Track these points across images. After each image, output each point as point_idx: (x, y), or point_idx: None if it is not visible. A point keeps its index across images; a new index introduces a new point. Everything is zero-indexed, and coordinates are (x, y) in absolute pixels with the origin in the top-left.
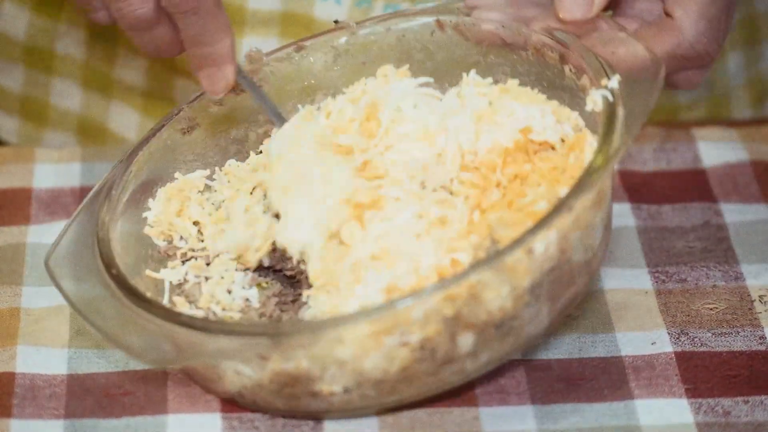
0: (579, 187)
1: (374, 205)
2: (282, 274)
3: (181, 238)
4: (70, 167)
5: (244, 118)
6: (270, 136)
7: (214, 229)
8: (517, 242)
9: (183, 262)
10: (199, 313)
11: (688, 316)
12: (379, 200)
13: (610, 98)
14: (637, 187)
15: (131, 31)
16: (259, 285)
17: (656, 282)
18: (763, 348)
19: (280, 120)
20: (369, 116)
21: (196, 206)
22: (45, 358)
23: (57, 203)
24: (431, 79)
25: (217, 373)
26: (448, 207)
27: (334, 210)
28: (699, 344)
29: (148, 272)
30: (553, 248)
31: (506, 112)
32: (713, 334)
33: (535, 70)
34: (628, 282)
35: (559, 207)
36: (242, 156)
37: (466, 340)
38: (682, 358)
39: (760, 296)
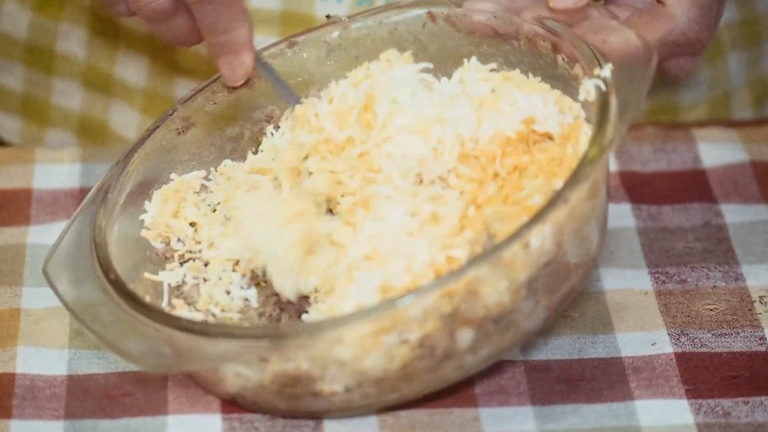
0: (574, 179)
1: (364, 204)
2: None
3: (179, 239)
4: (71, 168)
5: (239, 116)
6: (265, 133)
7: (212, 231)
8: (514, 237)
9: (181, 264)
10: (199, 316)
11: (688, 316)
12: (369, 199)
13: (603, 88)
14: (637, 188)
15: (150, 23)
16: (257, 284)
17: (656, 283)
18: (763, 349)
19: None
20: (366, 107)
21: (192, 207)
22: (45, 358)
23: (57, 204)
24: (431, 65)
25: (218, 375)
26: (441, 203)
27: (291, 241)
28: (699, 345)
29: (146, 275)
30: (550, 241)
31: (509, 100)
32: (713, 334)
33: (527, 59)
34: (628, 283)
35: (555, 200)
36: (238, 154)
37: (465, 336)
38: (682, 358)
39: (761, 297)
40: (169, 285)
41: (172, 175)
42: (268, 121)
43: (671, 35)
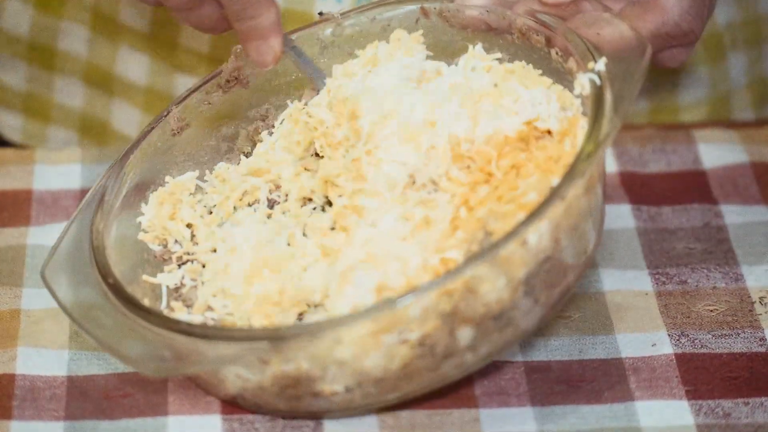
0: (570, 175)
1: (357, 210)
2: None
3: (176, 241)
4: (71, 169)
5: (234, 115)
6: (260, 132)
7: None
8: (512, 234)
9: (179, 266)
10: (197, 318)
11: (689, 317)
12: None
13: (598, 81)
14: (637, 189)
15: (177, 13)
16: None
17: (656, 283)
18: (763, 350)
19: None
20: (350, 117)
21: (188, 209)
22: (45, 359)
23: (57, 205)
24: (431, 54)
25: (218, 377)
26: (431, 207)
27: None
28: (699, 346)
29: (144, 277)
30: (547, 238)
31: (512, 97)
32: (713, 335)
33: (521, 54)
34: (628, 283)
35: (552, 196)
36: (233, 155)
37: (465, 334)
38: (682, 359)
39: (761, 298)
40: (167, 287)
41: (167, 178)
42: (263, 120)
43: (664, 27)
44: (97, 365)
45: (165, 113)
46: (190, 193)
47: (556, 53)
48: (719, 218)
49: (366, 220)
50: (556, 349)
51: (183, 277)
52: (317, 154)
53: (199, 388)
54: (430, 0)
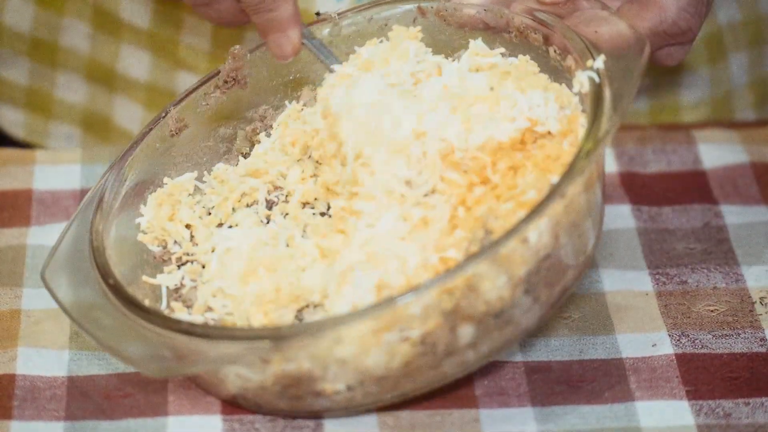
0: (570, 172)
1: (354, 212)
2: None
3: (175, 242)
4: (71, 169)
5: (232, 116)
6: (258, 132)
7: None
8: (513, 231)
9: (179, 267)
10: (198, 318)
11: (689, 317)
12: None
13: (597, 79)
14: (637, 189)
15: (195, 8)
16: None
17: (657, 284)
18: (763, 350)
19: None
20: (333, 139)
21: (187, 210)
22: (45, 359)
23: (57, 205)
24: (429, 49)
25: (219, 377)
26: (429, 207)
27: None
28: (700, 346)
29: (144, 278)
30: (547, 235)
31: (508, 102)
32: (714, 335)
33: (519, 53)
34: (628, 284)
35: (552, 194)
36: (231, 156)
37: (466, 332)
38: (682, 359)
39: (761, 298)
40: (167, 288)
41: (165, 179)
42: (262, 121)
43: (662, 25)
44: (97, 365)
45: (163, 114)
46: (189, 194)
47: (554, 51)
48: (719, 218)
49: (364, 222)
50: (557, 350)
51: (183, 278)
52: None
53: (200, 389)
54: None
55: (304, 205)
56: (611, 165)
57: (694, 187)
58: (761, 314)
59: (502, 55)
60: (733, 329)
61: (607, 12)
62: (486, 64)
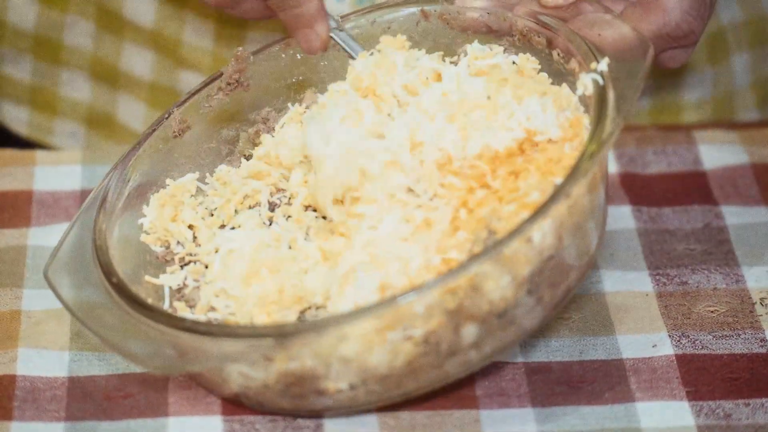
0: (574, 173)
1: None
2: None
3: (178, 243)
4: (71, 170)
5: (235, 118)
6: (261, 134)
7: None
8: (517, 231)
9: (181, 267)
10: (201, 318)
11: (689, 318)
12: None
13: (600, 81)
14: (637, 190)
15: (219, 9)
16: None
17: (657, 284)
18: (763, 351)
19: None
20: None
21: (189, 210)
22: (46, 360)
23: (58, 206)
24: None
25: (222, 376)
26: (431, 210)
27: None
28: (700, 347)
29: (147, 278)
30: (551, 236)
31: (506, 112)
32: (714, 336)
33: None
34: (628, 284)
35: (557, 194)
36: (234, 158)
37: (469, 331)
38: (682, 360)
39: (761, 299)
40: (170, 288)
41: (168, 180)
42: (264, 123)
43: (665, 28)
44: (97, 366)
45: (166, 115)
46: (191, 195)
47: (558, 54)
48: (720, 219)
49: (366, 224)
50: (557, 350)
51: (185, 278)
52: None
53: (202, 387)
54: (430, 2)
55: (307, 207)
56: (611, 166)
57: (695, 187)
58: (761, 315)
59: (505, 50)
60: (733, 330)
61: (610, 15)
62: (486, 67)
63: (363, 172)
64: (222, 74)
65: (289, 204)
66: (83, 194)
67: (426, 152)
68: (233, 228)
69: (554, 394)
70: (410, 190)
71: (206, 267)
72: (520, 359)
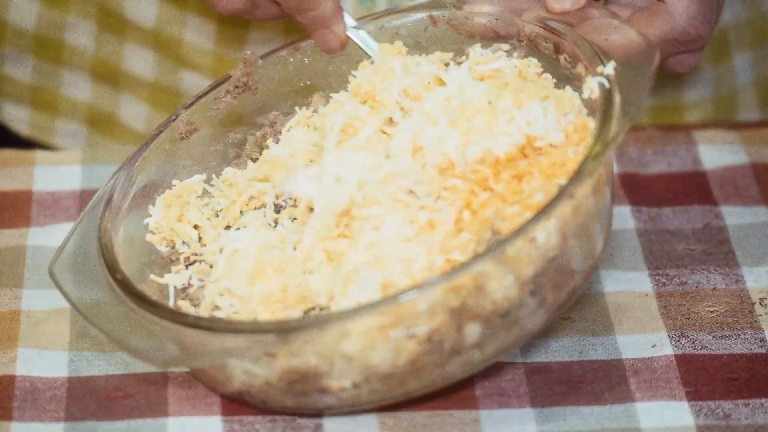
0: (579, 174)
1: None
2: None
3: (183, 242)
4: (71, 170)
5: (242, 121)
6: (268, 138)
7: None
8: (520, 231)
9: (186, 267)
10: (204, 315)
11: (689, 318)
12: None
13: (607, 85)
14: (637, 190)
15: (233, 16)
16: None
17: (656, 284)
18: (763, 351)
19: None
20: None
21: (195, 211)
22: (45, 360)
23: (57, 206)
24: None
25: (225, 374)
26: (434, 211)
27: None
28: (699, 347)
29: (152, 277)
30: (555, 236)
31: (506, 117)
32: (714, 336)
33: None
34: (628, 284)
35: (561, 195)
36: (240, 161)
37: (472, 331)
38: (682, 360)
39: (761, 299)
40: (174, 287)
41: (174, 181)
42: (272, 127)
43: (673, 32)
44: (97, 366)
45: (173, 117)
46: (197, 196)
47: (565, 59)
48: (719, 219)
49: (370, 225)
50: (557, 350)
51: (190, 278)
52: None
53: (205, 385)
54: (438, 8)
55: (312, 209)
56: None
57: (694, 187)
58: (761, 315)
59: (507, 53)
60: (732, 330)
61: (617, 20)
62: (489, 71)
63: (362, 185)
64: (230, 77)
65: (294, 206)
66: (83, 194)
67: (428, 156)
68: (238, 229)
69: (554, 394)
70: (411, 192)
71: (211, 267)
72: (519, 359)
